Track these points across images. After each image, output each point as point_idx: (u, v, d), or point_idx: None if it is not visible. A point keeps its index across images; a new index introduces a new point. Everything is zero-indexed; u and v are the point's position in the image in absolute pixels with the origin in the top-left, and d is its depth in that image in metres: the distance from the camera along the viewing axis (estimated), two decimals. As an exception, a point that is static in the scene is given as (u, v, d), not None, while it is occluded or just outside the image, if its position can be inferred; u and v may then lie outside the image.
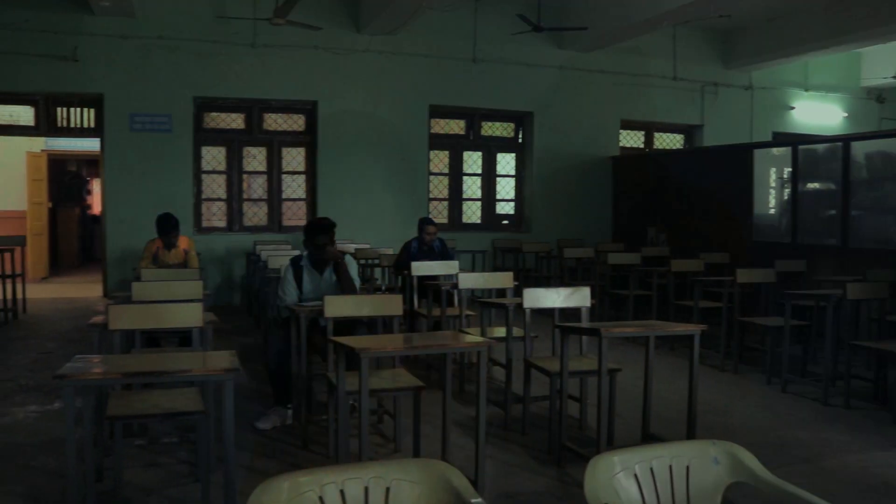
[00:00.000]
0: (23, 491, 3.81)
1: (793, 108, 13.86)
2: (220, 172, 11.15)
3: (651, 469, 2.09)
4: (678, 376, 6.53)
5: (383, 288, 8.21)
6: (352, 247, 8.84)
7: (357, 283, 5.40)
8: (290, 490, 1.79)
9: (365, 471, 1.88)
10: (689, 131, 13.52)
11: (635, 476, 2.07)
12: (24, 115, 10.46)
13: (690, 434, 4.16)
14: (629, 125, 13.13)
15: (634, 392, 5.73)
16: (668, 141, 13.58)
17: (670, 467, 2.11)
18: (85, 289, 11.62)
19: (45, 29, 9.90)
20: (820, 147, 8.86)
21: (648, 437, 4.51)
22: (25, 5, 9.85)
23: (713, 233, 9.97)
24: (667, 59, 12.69)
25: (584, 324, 4.81)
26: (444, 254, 7.69)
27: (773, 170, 9.49)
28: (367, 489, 1.86)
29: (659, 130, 13.46)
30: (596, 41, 11.74)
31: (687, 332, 4.22)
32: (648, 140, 13.44)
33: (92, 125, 10.58)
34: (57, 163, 14.77)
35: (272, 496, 1.77)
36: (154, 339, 6.03)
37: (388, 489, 1.88)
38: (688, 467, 2.12)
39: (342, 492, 1.84)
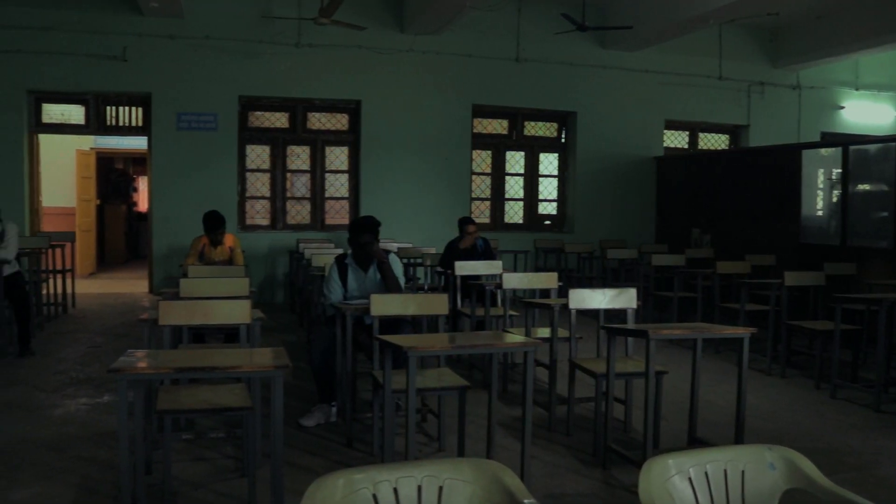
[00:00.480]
0: (77, 481, 3.89)
1: (842, 107, 13.58)
2: (264, 171, 11.27)
3: (706, 473, 2.07)
4: (723, 380, 6.45)
5: (426, 287, 8.22)
6: (394, 246, 8.88)
7: (402, 281, 5.41)
8: (344, 487, 1.80)
9: (418, 469, 1.88)
10: (735, 131, 13.33)
11: (689, 480, 2.04)
12: (75, 113, 10.68)
13: (738, 439, 4.09)
14: (673, 125, 12.98)
15: (678, 395, 5.67)
16: (713, 141, 13.40)
17: (725, 472, 2.08)
18: (131, 285, 11.83)
19: (96, 30, 10.10)
20: (872, 147, 8.67)
21: (695, 440, 4.45)
22: (77, 7, 10.07)
23: (759, 235, 9.81)
24: (712, 58, 12.52)
25: (631, 325, 4.77)
26: (487, 253, 7.68)
27: (822, 171, 9.30)
28: (420, 488, 1.86)
29: (704, 131, 13.29)
30: (640, 40, 11.63)
31: (736, 335, 4.16)
32: (693, 140, 13.27)
33: (140, 124, 10.76)
34: (104, 161, 15.06)
35: (327, 493, 1.78)
36: (199, 335, 6.13)
37: (440, 488, 1.88)
38: (743, 472, 2.09)
39: (395, 490, 1.84)
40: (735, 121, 13.08)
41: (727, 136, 13.40)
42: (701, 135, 13.31)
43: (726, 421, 5.08)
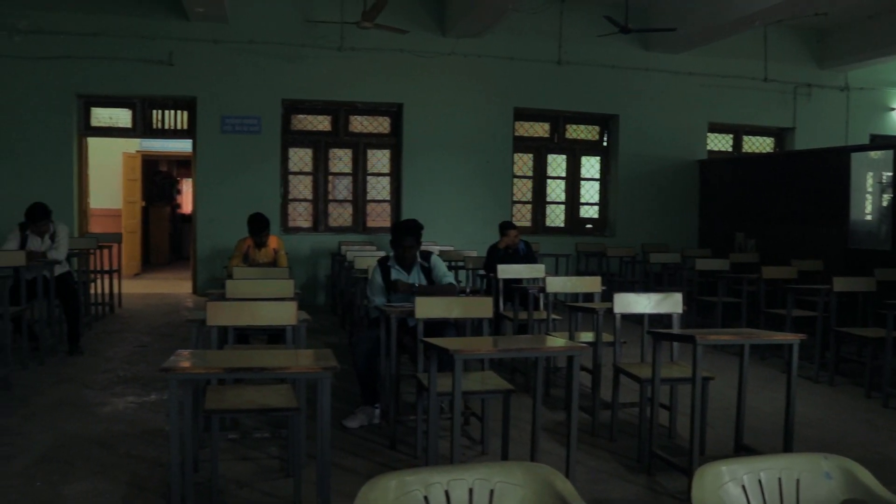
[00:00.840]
0: (127, 479, 3.96)
1: (893, 108, 13.29)
2: (306, 174, 11.36)
3: (759, 481, 2.04)
4: (769, 386, 6.34)
5: (468, 290, 8.24)
6: (436, 249, 8.89)
7: (450, 277, 5.43)
8: (396, 489, 1.80)
9: (469, 472, 1.88)
10: (780, 134, 13.12)
11: (743, 487, 2.01)
12: (122, 117, 10.88)
13: (787, 447, 4.03)
14: (717, 128, 12.82)
15: (723, 401, 5.60)
16: (758, 144, 13.21)
17: (779, 480, 2.05)
18: (175, 285, 12.00)
19: (143, 35, 10.28)
20: (924, 151, 8.47)
21: (741, 448, 4.38)
22: (125, 13, 10.26)
23: (805, 239, 9.64)
24: (757, 59, 12.33)
25: (678, 330, 4.72)
26: (528, 257, 7.66)
27: (871, 174, 9.11)
28: (471, 490, 1.86)
29: (748, 133, 13.11)
30: (684, 42, 11.50)
31: (785, 341, 4.09)
32: (737, 143, 13.10)
33: (185, 127, 10.92)
34: (149, 163, 15.31)
35: (379, 494, 1.79)
36: (243, 335, 6.20)
37: (492, 491, 1.88)
38: (798, 481, 2.05)
39: (447, 492, 1.84)
40: (780, 123, 12.88)
41: (772, 138, 13.20)
42: (745, 138, 13.13)
43: (772, 428, 5.00)
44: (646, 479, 4.18)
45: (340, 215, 11.53)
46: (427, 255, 5.50)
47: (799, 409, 5.23)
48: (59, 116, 10.26)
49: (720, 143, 13.00)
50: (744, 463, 2.07)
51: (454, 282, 5.38)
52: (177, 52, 10.41)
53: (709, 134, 12.68)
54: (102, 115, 10.87)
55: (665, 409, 5.04)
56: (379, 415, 5.06)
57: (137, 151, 13.55)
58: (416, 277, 5.34)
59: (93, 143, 11.22)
